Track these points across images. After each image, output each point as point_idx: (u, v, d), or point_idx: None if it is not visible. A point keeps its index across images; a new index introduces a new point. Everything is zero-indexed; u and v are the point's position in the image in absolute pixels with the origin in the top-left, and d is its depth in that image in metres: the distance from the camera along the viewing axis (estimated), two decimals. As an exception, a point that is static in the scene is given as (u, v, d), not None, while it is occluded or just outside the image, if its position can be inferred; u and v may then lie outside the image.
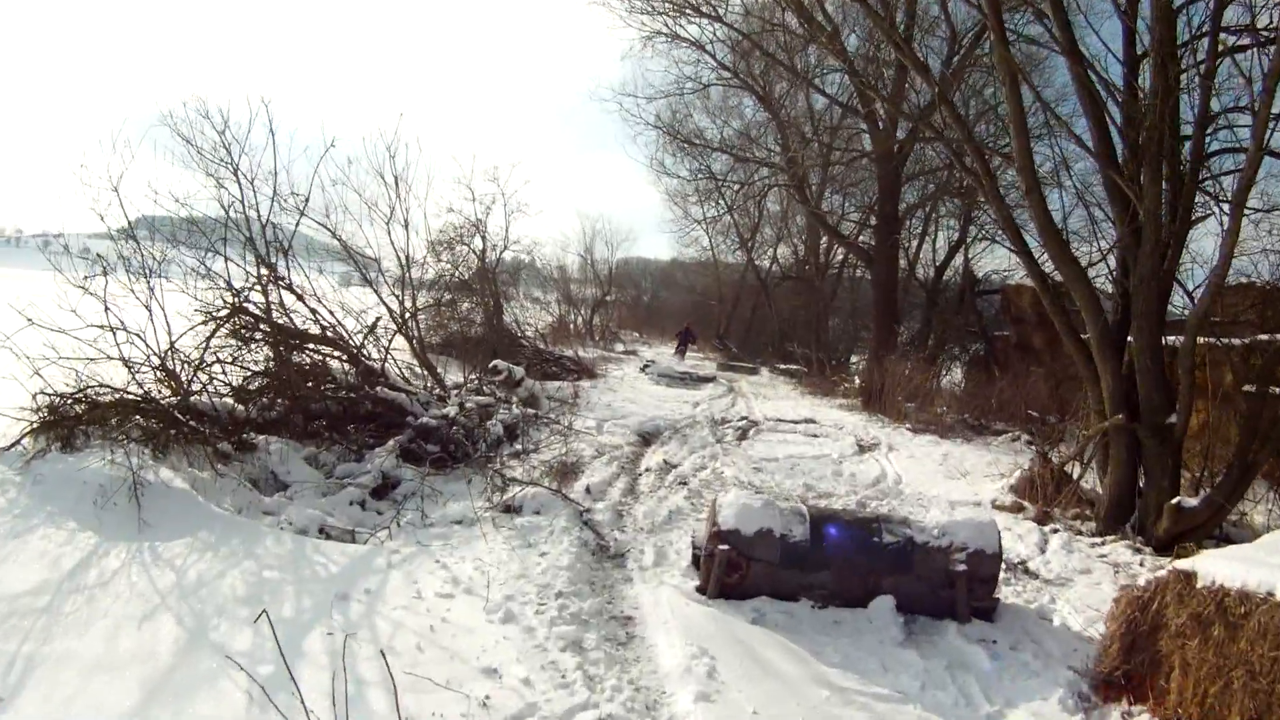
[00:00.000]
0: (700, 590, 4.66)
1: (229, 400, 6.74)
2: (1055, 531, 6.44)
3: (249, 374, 6.98)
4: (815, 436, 11.20)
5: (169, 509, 4.96)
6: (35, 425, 5.47)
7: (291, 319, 7.40)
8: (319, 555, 4.64)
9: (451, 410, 7.83)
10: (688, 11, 16.34)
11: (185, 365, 6.37)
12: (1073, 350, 7.00)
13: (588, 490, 6.64)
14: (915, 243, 20.44)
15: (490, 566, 4.75)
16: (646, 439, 10.03)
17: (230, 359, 6.75)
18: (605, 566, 5.15)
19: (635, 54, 21.76)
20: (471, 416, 8.51)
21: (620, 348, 26.46)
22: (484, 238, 13.90)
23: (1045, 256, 7.64)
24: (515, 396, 11.13)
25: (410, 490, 6.24)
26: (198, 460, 5.86)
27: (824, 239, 25.35)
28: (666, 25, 17.48)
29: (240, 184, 7.47)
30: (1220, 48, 6.05)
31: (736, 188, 27.09)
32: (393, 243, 9.78)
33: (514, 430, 9.21)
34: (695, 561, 5.04)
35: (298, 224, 7.70)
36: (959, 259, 19.41)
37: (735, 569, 4.53)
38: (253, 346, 7.27)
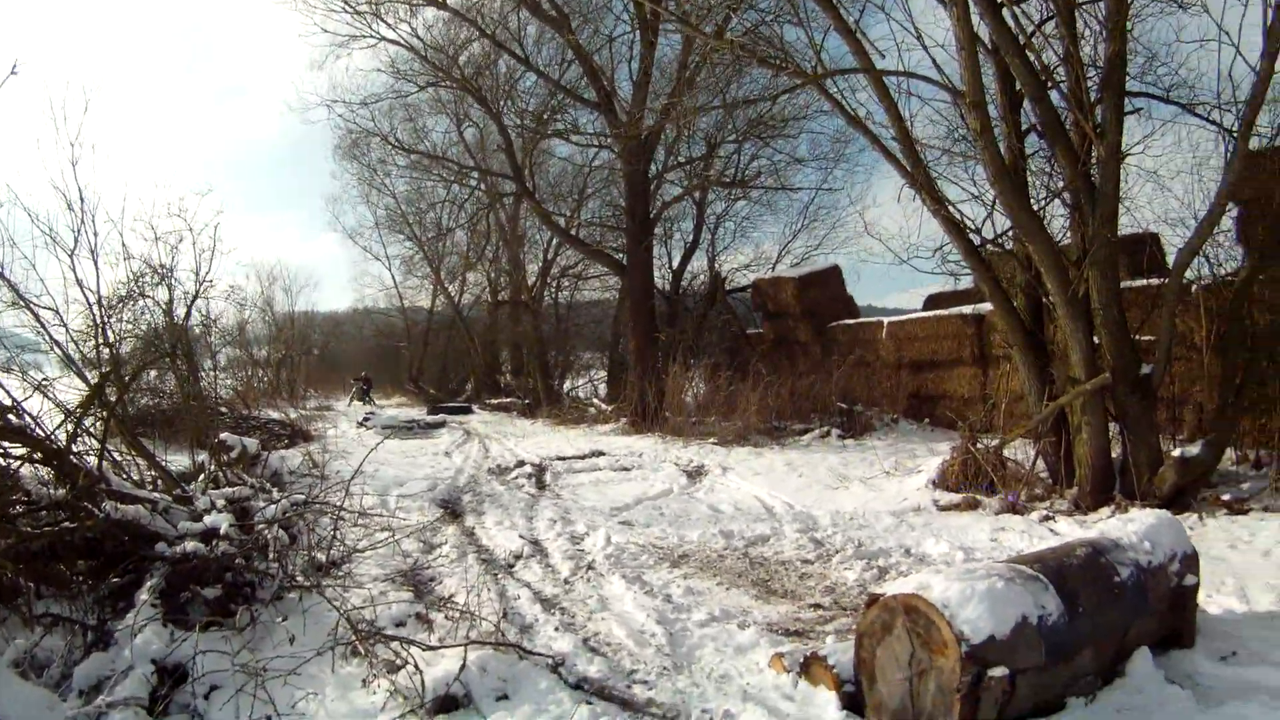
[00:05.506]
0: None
1: None
2: (1047, 519, 5.82)
3: None
4: (628, 470, 9.81)
5: None
6: None
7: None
8: None
9: (222, 520, 4.85)
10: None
11: None
12: (1004, 320, 6.57)
13: (504, 616, 4.22)
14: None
15: None
16: (451, 508, 7.80)
17: None
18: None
19: (329, 63, 18.71)
20: (232, 519, 5.57)
21: (313, 404, 22.37)
22: (170, 288, 10.21)
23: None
24: (259, 479, 7.99)
25: (214, 681, 3.46)
26: None
27: (530, 260, 24.14)
28: (369, 26, 15.25)
29: None
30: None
31: (423, 211, 24.78)
32: (80, 282, 6.35)
33: (291, 528, 6.34)
34: (852, 704, 2.97)
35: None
36: (699, 260, 18.79)
37: (1000, 697, 2.71)
38: None
